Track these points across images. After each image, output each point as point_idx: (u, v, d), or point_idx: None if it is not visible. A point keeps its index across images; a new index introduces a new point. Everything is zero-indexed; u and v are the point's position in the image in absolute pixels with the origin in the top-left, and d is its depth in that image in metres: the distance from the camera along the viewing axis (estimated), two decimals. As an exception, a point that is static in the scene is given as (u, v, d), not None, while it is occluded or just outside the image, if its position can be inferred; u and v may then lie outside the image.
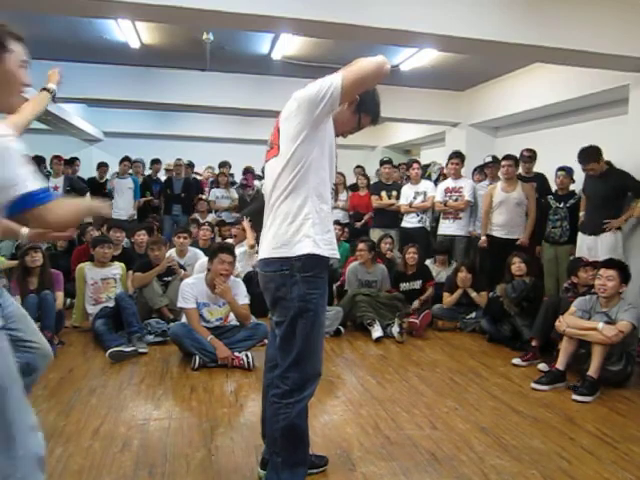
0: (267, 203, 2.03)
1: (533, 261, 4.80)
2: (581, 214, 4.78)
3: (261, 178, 8.46)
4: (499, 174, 5.40)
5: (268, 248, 1.97)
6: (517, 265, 4.48)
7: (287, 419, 1.92)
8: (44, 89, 2.52)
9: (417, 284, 5.23)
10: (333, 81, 1.82)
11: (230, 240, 5.46)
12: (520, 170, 5.44)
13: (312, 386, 1.99)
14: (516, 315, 4.31)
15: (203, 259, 4.65)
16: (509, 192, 5.13)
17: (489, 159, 5.87)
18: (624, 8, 4.12)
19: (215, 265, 3.77)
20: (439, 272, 5.44)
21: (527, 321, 4.22)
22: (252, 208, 6.93)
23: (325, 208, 1.96)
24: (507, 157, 5.24)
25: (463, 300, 4.96)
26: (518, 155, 5.45)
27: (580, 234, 4.71)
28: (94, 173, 8.27)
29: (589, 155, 4.43)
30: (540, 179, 5.49)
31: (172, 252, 5.06)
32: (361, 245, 5.08)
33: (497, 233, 5.20)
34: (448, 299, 4.98)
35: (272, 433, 2.00)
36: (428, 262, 5.60)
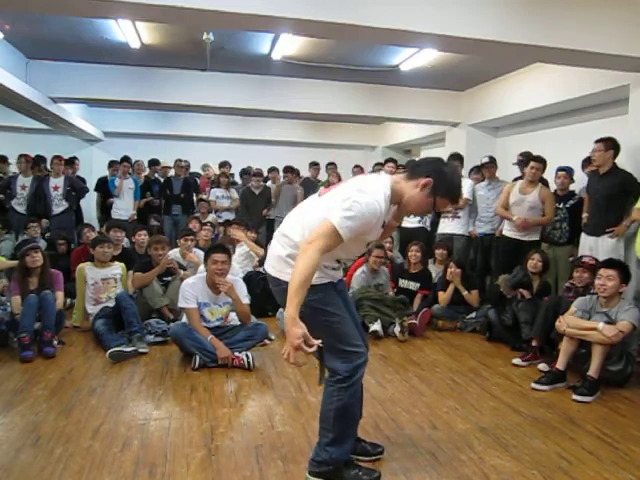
0: (290, 214, 2.19)
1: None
2: (584, 215, 4.76)
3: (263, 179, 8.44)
4: (527, 174, 5.02)
5: (272, 265, 2.13)
6: (535, 262, 4.47)
7: (341, 401, 2.10)
8: None
9: (414, 286, 5.19)
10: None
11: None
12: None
13: (362, 369, 2.14)
14: (520, 309, 4.29)
15: None
16: (525, 194, 4.98)
17: (486, 159, 5.86)
18: (624, 8, 4.12)
19: (209, 265, 3.82)
20: (438, 272, 5.36)
21: (528, 316, 4.19)
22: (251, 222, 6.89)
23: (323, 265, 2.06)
24: (537, 159, 4.96)
25: (458, 299, 4.97)
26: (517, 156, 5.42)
27: (583, 234, 4.70)
28: (94, 173, 8.26)
29: (606, 139, 4.41)
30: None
31: (173, 253, 5.03)
32: (377, 251, 4.91)
33: (509, 233, 5.13)
34: (443, 297, 5.02)
35: (326, 413, 2.15)
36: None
